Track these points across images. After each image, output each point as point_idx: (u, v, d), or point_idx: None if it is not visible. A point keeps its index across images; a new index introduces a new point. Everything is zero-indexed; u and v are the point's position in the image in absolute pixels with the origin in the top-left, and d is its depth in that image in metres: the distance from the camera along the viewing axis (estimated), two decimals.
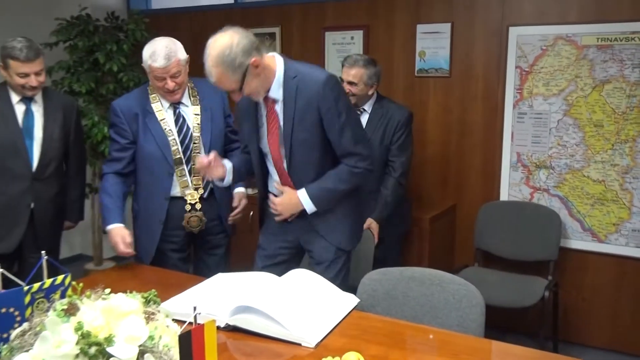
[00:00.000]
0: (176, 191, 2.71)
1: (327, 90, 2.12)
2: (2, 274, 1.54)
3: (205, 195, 2.76)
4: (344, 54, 4.04)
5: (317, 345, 1.79)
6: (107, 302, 1.33)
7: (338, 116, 2.16)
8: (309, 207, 2.31)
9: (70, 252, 5.06)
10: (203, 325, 1.22)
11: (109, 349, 1.24)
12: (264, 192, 2.50)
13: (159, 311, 1.43)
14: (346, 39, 4.10)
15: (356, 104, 3.15)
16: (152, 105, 2.66)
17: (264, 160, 2.41)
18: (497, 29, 3.58)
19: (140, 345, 1.28)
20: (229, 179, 2.43)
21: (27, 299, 1.54)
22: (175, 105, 2.68)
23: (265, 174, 2.46)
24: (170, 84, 2.56)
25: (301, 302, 2.03)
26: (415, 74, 3.87)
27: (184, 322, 1.33)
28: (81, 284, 1.47)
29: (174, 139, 2.66)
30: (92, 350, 1.24)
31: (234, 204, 2.87)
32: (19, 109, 2.79)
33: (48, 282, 1.59)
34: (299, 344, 1.79)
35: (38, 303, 1.56)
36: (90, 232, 4.71)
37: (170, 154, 2.65)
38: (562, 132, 3.44)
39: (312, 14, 4.22)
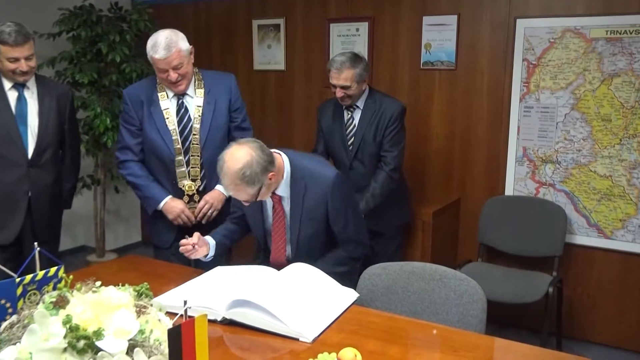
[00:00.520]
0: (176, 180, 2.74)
1: (336, 190, 2.25)
2: None
3: (200, 188, 2.75)
4: (349, 46, 4.01)
5: (315, 340, 1.77)
6: (97, 295, 1.31)
7: (345, 212, 2.30)
8: None
9: (73, 244, 5.05)
10: (193, 319, 1.19)
11: (97, 343, 1.22)
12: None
13: (151, 305, 1.41)
14: (351, 31, 4.05)
15: (351, 103, 3.09)
16: (158, 94, 2.70)
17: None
18: (504, 21, 3.53)
19: (130, 340, 1.26)
20: (211, 254, 2.38)
21: (19, 290, 1.52)
22: (180, 95, 2.70)
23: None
24: (173, 76, 2.58)
25: (299, 296, 2.01)
26: (421, 67, 3.82)
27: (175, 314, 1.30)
28: (71, 277, 1.44)
29: (175, 129, 2.68)
30: (81, 343, 1.21)
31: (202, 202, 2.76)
32: (12, 96, 2.77)
33: (41, 273, 1.57)
34: (297, 339, 1.77)
35: (30, 295, 1.54)
36: (92, 224, 4.70)
37: (171, 142, 2.68)
38: (569, 126, 3.38)
39: (316, 5, 4.18)
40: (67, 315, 1.23)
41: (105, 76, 4.22)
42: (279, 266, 2.25)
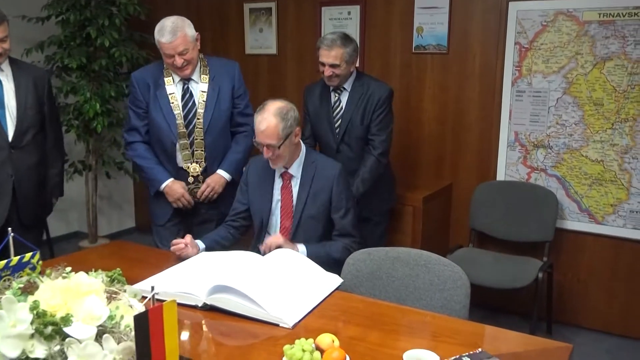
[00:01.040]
0: (179, 162, 2.83)
1: (341, 178, 2.46)
2: None
3: (202, 170, 2.84)
4: (340, 29, 3.95)
5: (295, 325, 1.76)
6: (66, 281, 1.29)
7: (346, 201, 2.46)
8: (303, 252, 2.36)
9: (67, 230, 5.04)
10: (161, 305, 1.17)
11: (65, 329, 1.21)
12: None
13: (124, 290, 1.40)
14: (343, 14, 4.00)
15: (339, 85, 3.05)
16: (165, 78, 2.79)
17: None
18: (496, 4, 3.48)
19: (99, 326, 1.24)
20: None
21: None
22: (185, 80, 2.79)
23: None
24: (179, 61, 2.67)
25: (282, 282, 2.00)
26: (413, 51, 3.78)
27: (162, 300, 1.28)
28: (40, 262, 1.42)
29: (179, 112, 2.77)
30: (48, 330, 1.20)
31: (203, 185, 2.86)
32: None
33: (15, 259, 1.55)
34: (277, 325, 1.76)
35: (4, 281, 1.52)
36: (85, 210, 4.68)
37: (174, 126, 2.77)
38: (561, 110, 3.35)
39: None
40: (35, 301, 1.22)
41: (94, 61, 4.17)
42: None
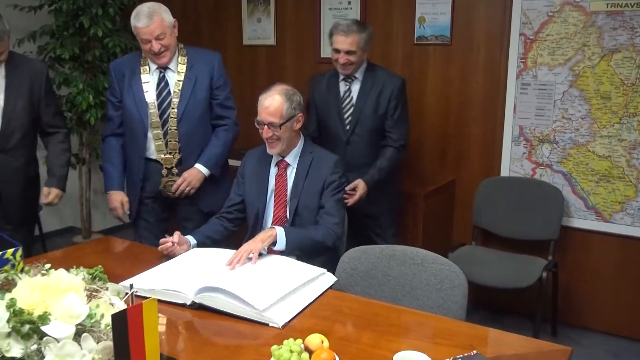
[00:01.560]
0: (152, 153, 2.83)
1: (336, 169, 2.48)
2: None
3: (177, 162, 2.82)
4: (340, 19, 3.94)
5: (285, 325, 1.75)
6: (45, 279, 1.29)
7: (337, 191, 2.48)
8: (281, 239, 2.29)
9: (60, 225, 5.05)
10: (141, 304, 1.17)
11: (42, 328, 1.20)
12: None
13: (106, 288, 1.39)
14: (343, 4, 3.98)
15: (351, 73, 3.04)
16: (141, 67, 2.80)
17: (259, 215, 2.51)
18: None
19: (78, 324, 1.24)
20: None
21: None
22: (162, 69, 2.79)
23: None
24: (156, 46, 2.67)
25: (273, 280, 1.99)
26: (415, 42, 3.76)
27: (145, 299, 1.28)
28: (22, 258, 1.42)
29: (153, 102, 2.77)
30: (25, 328, 1.20)
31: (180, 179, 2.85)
32: None
33: None
34: (266, 324, 1.75)
35: None
36: (79, 204, 4.69)
37: (146, 115, 2.77)
38: (568, 104, 3.33)
39: None
40: (12, 298, 1.21)
41: (88, 51, 4.17)
42: None
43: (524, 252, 3.42)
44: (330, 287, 2.03)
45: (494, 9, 3.49)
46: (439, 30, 3.66)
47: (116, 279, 1.76)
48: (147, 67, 2.80)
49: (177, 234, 2.31)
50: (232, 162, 3.08)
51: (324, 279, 2.07)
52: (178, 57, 2.80)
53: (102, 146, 2.99)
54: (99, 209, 5.00)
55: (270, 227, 2.31)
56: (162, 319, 1.75)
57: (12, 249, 1.60)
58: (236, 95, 4.47)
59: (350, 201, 2.93)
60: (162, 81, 2.79)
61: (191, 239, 2.38)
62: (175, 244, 2.27)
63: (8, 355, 1.19)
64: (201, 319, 1.82)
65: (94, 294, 1.31)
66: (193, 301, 1.86)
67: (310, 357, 1.49)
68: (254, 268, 2.08)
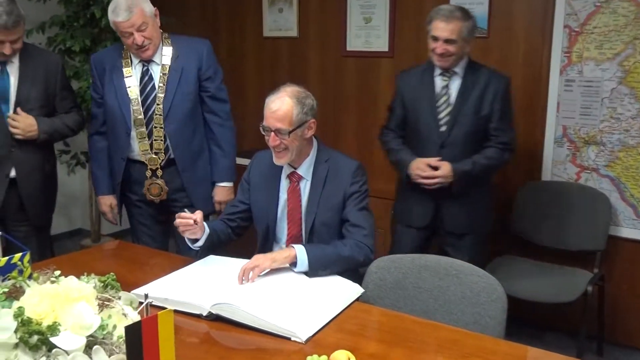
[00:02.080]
0: (136, 154, 2.82)
1: (356, 178, 2.34)
2: None
3: (162, 164, 2.81)
4: (368, 9, 3.96)
5: (308, 340, 1.74)
6: (55, 286, 1.30)
7: (361, 201, 2.34)
8: (302, 260, 2.16)
9: (69, 227, 5.12)
10: (156, 315, 1.17)
11: (52, 339, 1.21)
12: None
13: (118, 297, 1.40)
14: None
15: (450, 66, 2.88)
16: (122, 60, 2.79)
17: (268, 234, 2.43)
18: None
19: (89, 336, 1.24)
20: (200, 243, 2.32)
21: None
22: (145, 62, 2.78)
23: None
24: (139, 38, 2.65)
25: (295, 291, 2.00)
26: None
27: (163, 309, 1.28)
28: (29, 264, 1.43)
29: (136, 98, 2.76)
30: (33, 339, 1.21)
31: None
32: None
33: (3, 260, 1.56)
34: (288, 338, 1.75)
35: None
36: (88, 206, 4.74)
37: (129, 113, 2.76)
38: (616, 102, 3.27)
39: None
40: (20, 307, 1.23)
41: (99, 43, 4.20)
42: None
43: (567, 264, 3.37)
44: (357, 299, 2.02)
45: None
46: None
47: (128, 287, 1.77)
48: (129, 60, 2.79)
49: (199, 213, 2.24)
50: (240, 161, 3.08)
51: (350, 290, 2.06)
52: (162, 48, 2.79)
53: (88, 147, 3.03)
54: None
55: (289, 247, 2.22)
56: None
57: (20, 254, 1.61)
58: (254, 91, 4.56)
59: (428, 181, 2.84)
60: (145, 75, 2.78)
61: (206, 227, 2.32)
62: (196, 224, 2.21)
63: None
64: (218, 330, 1.82)
65: (106, 303, 1.32)
66: (209, 312, 1.86)
67: None
68: (275, 276, 2.07)
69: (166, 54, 2.78)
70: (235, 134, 3.01)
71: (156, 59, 2.77)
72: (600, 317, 3.34)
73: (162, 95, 2.75)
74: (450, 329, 1.86)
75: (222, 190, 2.94)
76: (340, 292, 2.04)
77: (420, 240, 3.08)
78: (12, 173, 2.82)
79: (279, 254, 2.17)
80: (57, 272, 1.35)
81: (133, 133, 2.78)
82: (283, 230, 2.40)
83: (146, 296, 1.19)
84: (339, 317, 1.89)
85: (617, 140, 3.31)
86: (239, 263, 2.18)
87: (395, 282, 2.14)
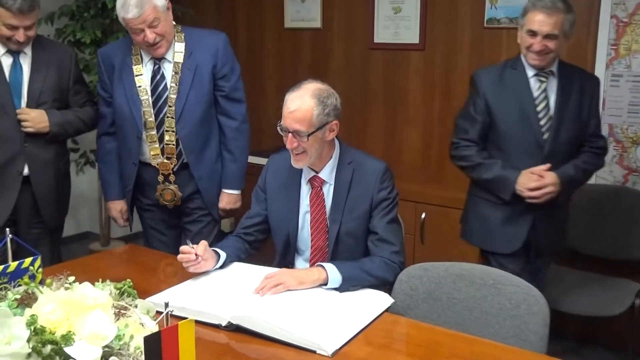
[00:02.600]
0: (147, 157, 2.80)
1: (384, 183, 2.30)
2: None
3: (175, 169, 2.79)
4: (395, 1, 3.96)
5: (335, 353, 1.74)
6: (69, 293, 1.31)
7: (389, 211, 2.30)
8: (333, 281, 2.13)
9: (77, 230, 5.17)
10: (176, 325, 1.18)
11: (66, 349, 1.23)
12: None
13: (135, 305, 1.41)
14: None
15: (545, 66, 2.69)
16: (132, 57, 2.75)
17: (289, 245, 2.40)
18: None
19: (105, 346, 1.26)
20: (218, 266, 2.28)
21: None
22: (157, 60, 2.74)
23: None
24: (150, 36, 2.60)
25: (321, 301, 2.01)
26: (485, 25, 3.73)
27: (180, 318, 1.29)
28: (40, 269, 1.45)
29: (147, 98, 2.73)
30: (47, 349, 1.22)
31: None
32: (5, 62, 2.80)
33: (13, 265, 1.59)
34: (314, 351, 1.75)
35: (0, 289, 1.56)
36: (97, 208, 4.79)
37: (139, 115, 2.73)
38: None
39: None
40: (32, 315, 1.24)
41: (111, 35, 4.25)
42: None
43: (612, 274, 3.34)
44: (386, 310, 2.02)
45: None
46: (513, 11, 3.60)
47: (142, 294, 1.79)
48: (139, 57, 2.75)
49: (203, 245, 2.20)
50: (257, 160, 3.08)
51: (379, 300, 2.06)
52: (175, 44, 2.74)
53: (97, 148, 3.03)
54: None
55: (317, 266, 2.17)
56: None
57: (31, 258, 1.63)
58: (273, 87, 4.58)
59: (536, 193, 2.61)
60: (157, 74, 2.74)
61: (221, 253, 2.28)
62: (200, 257, 2.16)
63: None
64: (239, 342, 1.83)
65: (122, 312, 1.33)
66: (229, 322, 1.87)
67: None
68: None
69: (179, 51, 2.73)
70: (249, 137, 2.96)
71: (168, 56, 2.73)
72: None
73: (174, 96, 2.71)
74: (486, 343, 1.85)
75: (228, 197, 2.92)
76: (369, 302, 2.04)
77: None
78: (25, 171, 2.86)
79: (308, 276, 2.13)
80: (72, 278, 1.36)
81: (144, 136, 2.76)
82: (305, 241, 2.37)
83: (166, 305, 1.20)
84: (367, 329, 1.89)
85: None
86: (262, 271, 2.19)
87: (428, 292, 2.13)
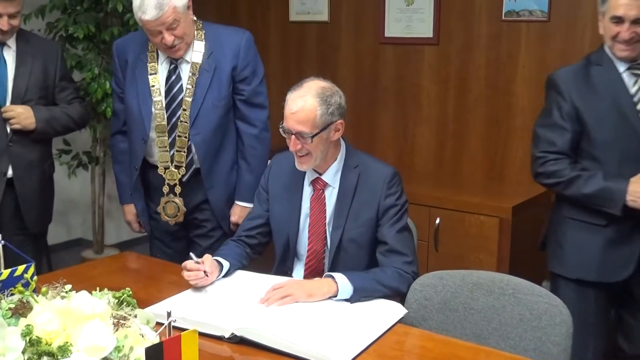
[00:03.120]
0: (155, 159, 2.75)
1: (392, 189, 2.30)
2: None
3: (185, 179, 2.74)
4: None
5: None
6: (65, 302, 1.33)
7: (399, 219, 2.30)
8: (346, 289, 2.13)
9: (68, 236, 5.17)
10: (179, 336, 1.20)
11: None
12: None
13: (134, 315, 1.43)
14: None
15: (637, 56, 2.46)
16: (148, 54, 2.71)
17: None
18: None
19: (103, 358, 1.27)
20: (221, 275, 2.29)
21: None
22: (174, 59, 2.69)
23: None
24: (169, 38, 2.55)
25: (330, 311, 2.02)
26: (503, 17, 3.74)
27: (181, 329, 1.31)
28: (35, 277, 1.47)
29: (160, 100, 2.68)
30: None
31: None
32: None
33: (5, 273, 1.61)
34: None
35: None
36: (90, 212, 4.81)
37: (148, 117, 2.69)
38: None
39: None
40: (28, 325, 1.26)
41: (104, 29, 4.28)
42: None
43: None
44: (399, 321, 2.03)
45: None
46: (534, 2, 3.62)
47: (141, 304, 1.79)
48: (155, 54, 2.70)
49: (208, 259, 2.21)
50: None
51: (392, 310, 2.07)
52: (194, 43, 2.68)
53: (111, 147, 3.03)
54: (113, 218, 5.10)
55: (327, 277, 2.17)
56: None
57: (24, 266, 1.65)
58: (278, 84, 4.58)
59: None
60: (173, 74, 2.69)
61: (223, 262, 2.29)
62: (208, 274, 2.17)
63: None
64: (243, 355, 1.84)
65: (122, 322, 1.35)
66: (233, 333, 1.89)
67: None
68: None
69: (197, 50, 2.67)
70: (269, 147, 2.87)
71: (187, 56, 2.67)
72: None
73: (190, 99, 2.65)
74: (507, 356, 1.86)
75: (242, 211, 2.80)
76: (381, 312, 2.05)
77: (604, 303, 2.59)
78: (9, 173, 2.88)
79: (318, 288, 2.13)
80: (68, 287, 1.38)
81: (152, 139, 2.72)
82: (304, 245, 2.39)
83: (169, 314, 1.21)
84: (379, 341, 1.89)
85: None
86: (267, 280, 2.21)
87: (443, 301, 2.14)
